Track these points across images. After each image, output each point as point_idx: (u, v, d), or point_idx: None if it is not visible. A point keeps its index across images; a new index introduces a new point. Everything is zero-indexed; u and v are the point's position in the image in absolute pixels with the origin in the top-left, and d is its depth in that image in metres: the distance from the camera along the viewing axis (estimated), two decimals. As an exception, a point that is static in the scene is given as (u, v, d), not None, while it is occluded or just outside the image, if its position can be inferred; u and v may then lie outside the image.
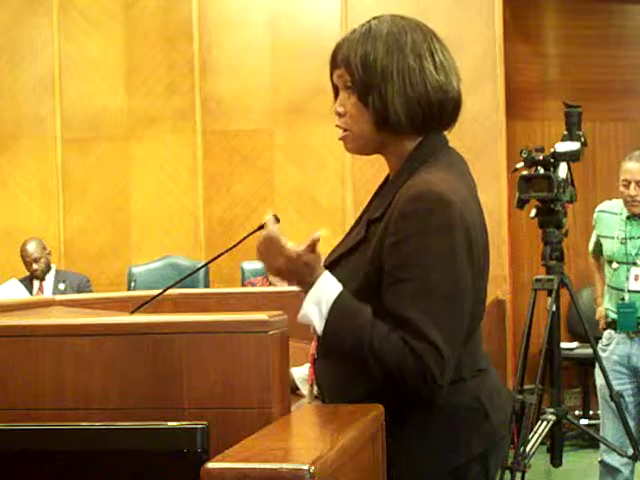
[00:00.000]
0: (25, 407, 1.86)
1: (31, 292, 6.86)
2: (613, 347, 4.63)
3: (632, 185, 4.59)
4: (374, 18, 2.04)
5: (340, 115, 2.03)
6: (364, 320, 1.87)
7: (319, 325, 1.90)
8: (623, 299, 4.58)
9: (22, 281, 6.92)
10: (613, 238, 4.67)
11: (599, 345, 4.70)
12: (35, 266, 6.88)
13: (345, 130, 2.03)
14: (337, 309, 1.89)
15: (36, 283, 6.96)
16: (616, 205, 4.75)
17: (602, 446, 4.65)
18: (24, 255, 6.93)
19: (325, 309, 1.89)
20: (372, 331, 1.85)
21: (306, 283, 1.92)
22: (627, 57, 7.52)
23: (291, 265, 1.91)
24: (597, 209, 4.84)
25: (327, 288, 1.91)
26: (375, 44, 1.97)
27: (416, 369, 1.82)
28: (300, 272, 1.91)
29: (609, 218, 4.72)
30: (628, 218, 4.65)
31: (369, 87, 1.97)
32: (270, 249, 1.92)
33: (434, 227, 1.86)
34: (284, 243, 1.91)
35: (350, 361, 1.92)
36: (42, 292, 6.88)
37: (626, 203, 4.64)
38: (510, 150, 6.81)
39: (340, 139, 2.06)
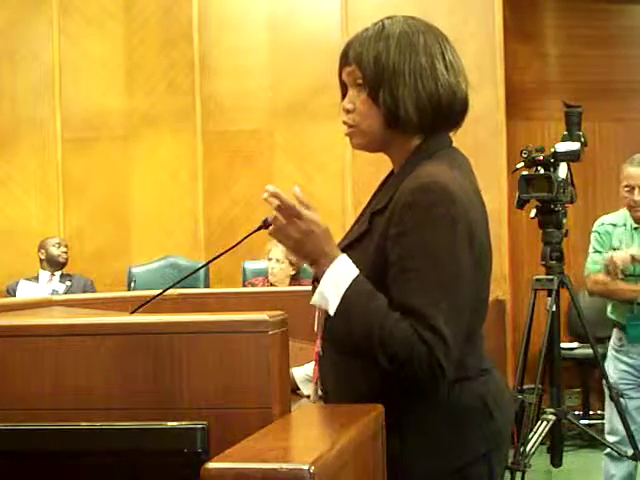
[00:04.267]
0: (25, 407, 1.86)
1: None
2: (626, 350, 4.61)
3: (636, 190, 4.52)
4: (387, 18, 2.05)
5: (348, 111, 2.04)
6: (378, 304, 1.86)
7: (333, 304, 1.88)
8: (632, 312, 4.55)
9: (27, 280, 6.95)
10: (621, 250, 4.61)
11: (611, 344, 4.68)
12: (64, 249, 6.95)
13: (351, 126, 2.04)
14: (354, 289, 1.88)
15: (44, 275, 6.97)
16: (617, 217, 4.69)
17: (608, 438, 4.64)
18: (48, 242, 6.98)
19: (342, 288, 1.88)
20: (385, 316, 1.84)
21: (321, 263, 1.90)
22: (627, 57, 7.52)
23: (306, 235, 1.89)
24: (603, 222, 4.70)
25: (345, 269, 1.90)
26: (388, 42, 1.99)
27: (425, 357, 1.82)
28: (317, 244, 1.90)
29: (619, 231, 4.66)
30: (635, 229, 4.62)
31: (380, 84, 1.97)
32: (287, 221, 1.88)
33: (437, 218, 1.87)
34: (299, 209, 1.88)
35: (356, 345, 1.89)
36: (51, 282, 6.92)
37: (630, 209, 4.58)
38: (510, 150, 6.81)
39: (346, 135, 2.06)
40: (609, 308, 4.71)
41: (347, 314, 1.88)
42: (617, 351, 4.66)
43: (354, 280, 1.89)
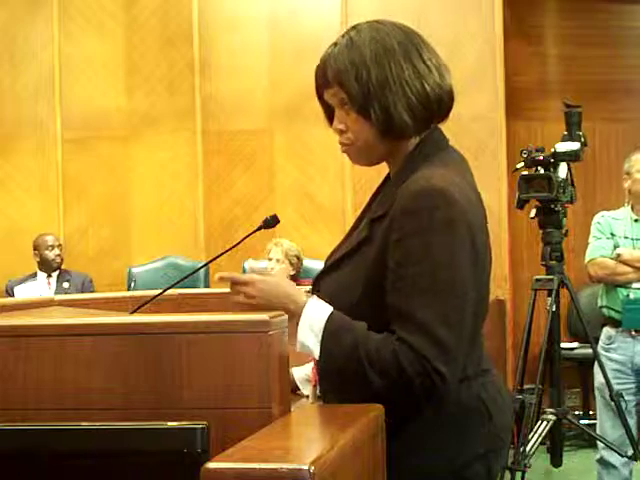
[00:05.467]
0: (25, 407, 1.86)
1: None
2: (616, 346, 4.62)
3: None
4: (351, 28, 2.03)
5: (342, 132, 2.03)
6: (357, 334, 1.87)
7: (316, 348, 1.91)
8: (628, 295, 4.57)
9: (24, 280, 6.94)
10: (624, 238, 4.66)
11: (600, 344, 4.69)
12: (57, 251, 6.93)
13: (347, 146, 2.04)
14: (330, 330, 1.90)
15: (42, 276, 6.96)
16: (618, 213, 4.75)
17: (600, 444, 4.65)
18: (42, 244, 6.95)
19: (319, 333, 1.90)
20: (367, 341, 1.86)
21: (292, 311, 1.93)
22: (627, 57, 7.52)
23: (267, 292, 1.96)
24: (604, 215, 4.76)
25: (317, 312, 1.92)
26: (362, 54, 1.96)
27: (415, 363, 1.81)
28: (277, 295, 1.96)
29: (619, 224, 4.69)
30: (636, 221, 4.67)
31: (368, 99, 1.95)
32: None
33: (437, 223, 1.86)
34: (245, 277, 2.00)
35: (350, 379, 1.90)
36: (49, 285, 6.90)
37: None
38: (510, 150, 6.81)
39: (344, 152, 2.06)
40: (601, 299, 4.71)
41: (332, 355, 1.90)
42: (606, 350, 4.66)
43: (328, 321, 1.90)
